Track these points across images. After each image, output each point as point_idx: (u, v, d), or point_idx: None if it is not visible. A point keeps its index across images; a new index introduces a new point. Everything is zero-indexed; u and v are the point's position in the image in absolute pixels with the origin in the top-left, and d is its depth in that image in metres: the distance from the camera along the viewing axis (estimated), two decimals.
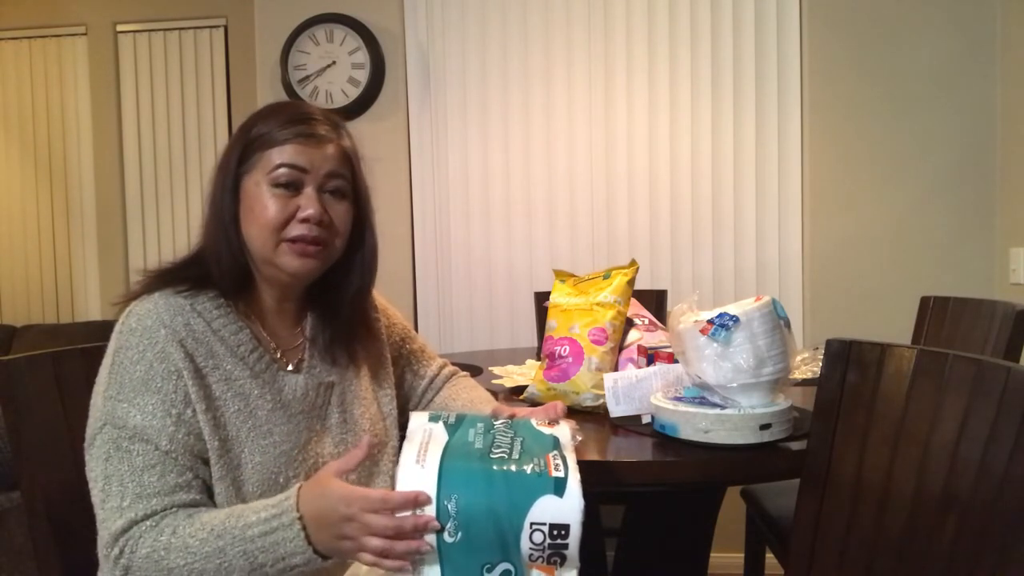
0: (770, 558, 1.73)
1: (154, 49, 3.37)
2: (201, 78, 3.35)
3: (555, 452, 0.89)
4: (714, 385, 1.11)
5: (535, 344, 2.24)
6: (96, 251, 3.43)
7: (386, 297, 1.25)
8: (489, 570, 0.83)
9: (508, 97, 2.64)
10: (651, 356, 1.35)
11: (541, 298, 2.19)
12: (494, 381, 1.57)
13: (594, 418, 1.31)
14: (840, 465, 1.04)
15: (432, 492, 0.82)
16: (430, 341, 1.38)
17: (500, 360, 1.85)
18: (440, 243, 2.71)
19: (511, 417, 1.04)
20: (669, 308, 1.98)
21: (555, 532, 0.82)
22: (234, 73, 3.33)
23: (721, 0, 2.53)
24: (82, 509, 0.93)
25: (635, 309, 1.52)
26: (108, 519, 0.88)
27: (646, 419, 1.23)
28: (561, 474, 0.84)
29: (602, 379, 1.31)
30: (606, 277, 1.46)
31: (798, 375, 1.54)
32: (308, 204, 0.97)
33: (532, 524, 0.82)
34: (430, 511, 0.81)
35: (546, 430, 0.96)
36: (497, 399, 1.28)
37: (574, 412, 1.31)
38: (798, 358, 1.60)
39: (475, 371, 1.59)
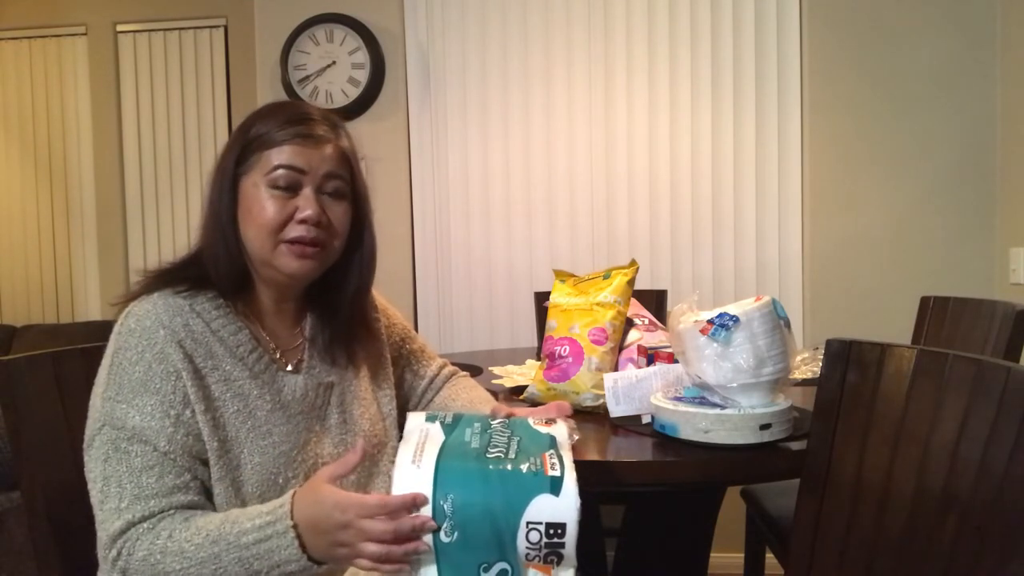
0: (770, 558, 1.73)
1: (154, 49, 3.37)
2: (201, 78, 3.35)
3: (551, 451, 0.89)
4: (714, 385, 1.11)
5: (535, 344, 2.24)
6: (96, 251, 3.43)
7: (386, 297, 1.25)
8: (486, 569, 0.83)
9: (508, 97, 2.64)
10: (651, 356, 1.35)
11: (541, 298, 2.19)
12: (494, 381, 1.57)
13: (594, 418, 1.31)
14: (840, 465, 1.04)
15: (428, 492, 0.81)
16: (430, 341, 1.38)
17: (500, 360, 1.85)
18: (440, 243, 2.71)
19: (509, 416, 1.04)
20: (669, 308, 1.98)
21: (551, 531, 0.82)
22: (234, 73, 3.33)
23: (721, 0, 2.53)
24: (82, 509, 0.93)
25: (635, 309, 1.52)
26: (106, 520, 0.88)
27: (646, 419, 1.23)
28: (557, 473, 0.84)
29: (602, 379, 1.30)
30: (606, 277, 1.46)
31: (798, 375, 1.54)
32: (306, 205, 0.97)
33: (528, 523, 0.82)
34: (426, 511, 0.81)
35: (543, 429, 0.96)
36: (497, 399, 1.28)
37: (574, 412, 1.31)
38: (798, 358, 1.60)
39: (475, 371, 1.59)
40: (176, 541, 0.86)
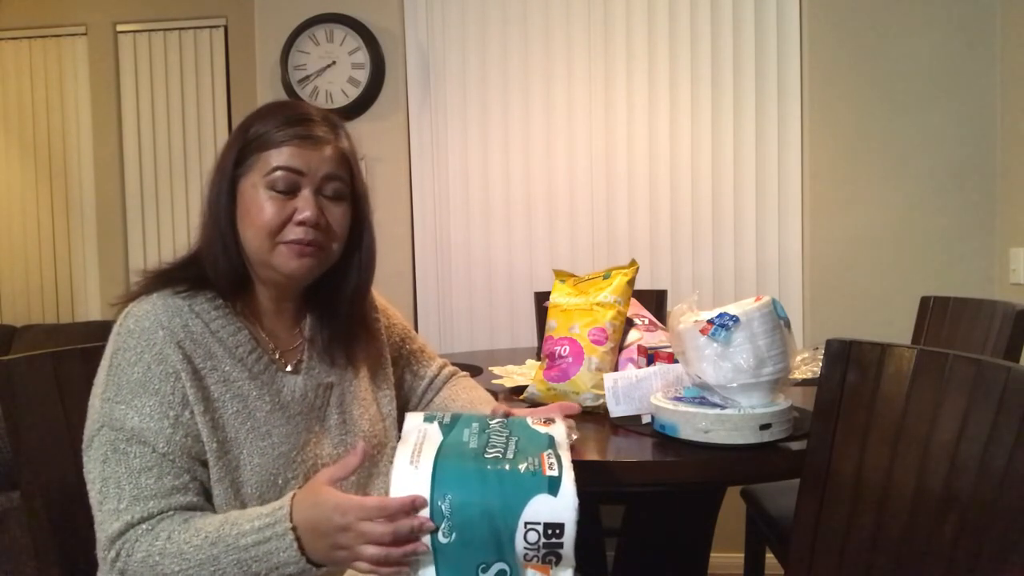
0: (770, 558, 1.73)
1: (154, 49, 3.37)
2: (201, 78, 3.36)
3: (549, 451, 0.89)
4: (714, 385, 1.11)
5: (535, 344, 2.24)
6: (96, 251, 3.43)
7: (386, 297, 1.24)
8: (484, 570, 0.83)
9: (508, 97, 2.64)
10: (651, 356, 1.35)
11: (541, 298, 2.19)
12: (494, 381, 1.57)
13: (594, 418, 1.31)
14: (840, 465, 1.04)
15: (426, 493, 0.81)
16: (430, 341, 1.38)
17: (500, 360, 1.85)
18: (440, 243, 2.71)
19: (507, 415, 1.04)
20: (669, 308, 1.98)
21: (550, 531, 0.82)
22: (234, 73, 3.33)
23: (721, 0, 2.53)
24: (82, 509, 0.93)
25: (635, 309, 1.52)
26: (105, 521, 0.88)
27: (646, 419, 1.23)
28: (555, 473, 0.84)
29: (602, 379, 1.30)
30: (606, 277, 1.46)
31: (798, 375, 1.54)
32: (305, 207, 0.96)
33: (526, 523, 0.82)
34: (424, 512, 0.81)
35: (541, 429, 0.96)
36: (497, 399, 1.28)
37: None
38: (798, 358, 1.60)
39: (475, 371, 1.59)
40: (175, 542, 0.85)
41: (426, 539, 0.81)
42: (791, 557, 1.10)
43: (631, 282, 1.44)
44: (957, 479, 0.88)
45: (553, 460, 0.86)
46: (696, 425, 1.09)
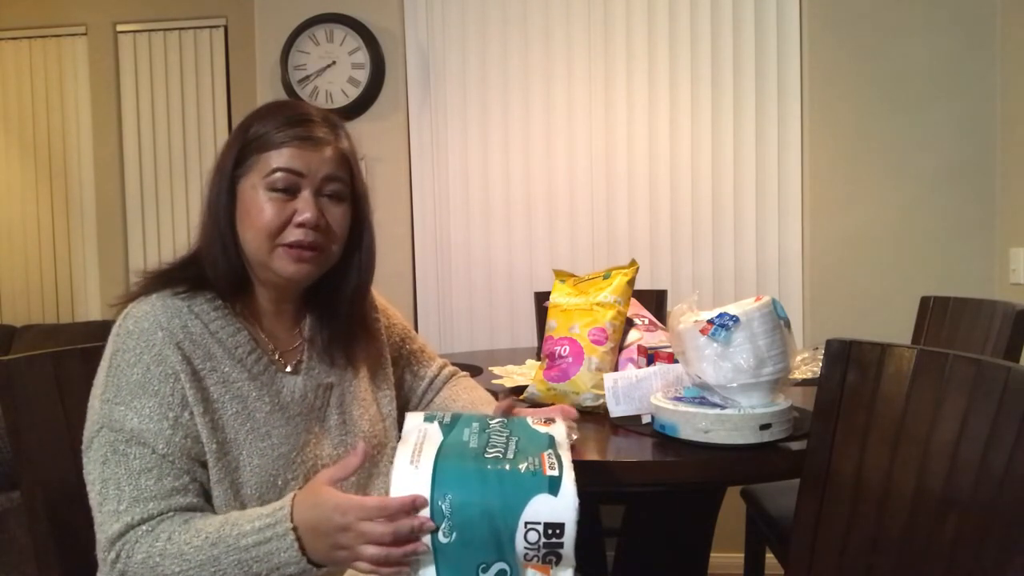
0: (770, 558, 1.73)
1: (154, 49, 3.37)
2: (201, 78, 3.36)
3: (550, 451, 0.89)
4: (714, 385, 1.11)
5: (535, 344, 2.24)
6: (96, 251, 3.43)
7: (386, 297, 1.24)
8: (484, 570, 0.83)
9: (508, 97, 2.64)
10: (651, 356, 1.35)
11: (541, 298, 2.19)
12: (494, 381, 1.57)
13: (594, 418, 1.31)
14: (840, 465, 1.04)
15: (426, 492, 0.81)
16: (430, 341, 1.38)
17: (500, 360, 1.85)
18: (440, 243, 2.71)
19: (510, 408, 1.03)
20: (669, 308, 1.98)
21: (550, 531, 0.82)
22: (234, 73, 3.33)
23: (721, 0, 2.53)
24: (82, 509, 0.93)
25: (635, 309, 1.52)
26: (105, 523, 0.88)
27: (646, 419, 1.23)
28: (555, 473, 0.84)
29: (602, 379, 1.30)
30: (606, 277, 1.46)
31: (798, 375, 1.54)
32: (305, 208, 0.96)
33: (527, 523, 0.82)
34: (424, 512, 0.81)
35: (541, 429, 0.96)
36: (497, 399, 1.28)
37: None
38: (798, 358, 1.60)
39: (475, 371, 1.59)
40: (175, 543, 0.85)
41: (426, 539, 0.81)
42: (791, 557, 1.10)
43: (631, 282, 1.44)
44: (957, 479, 0.88)
45: (553, 460, 0.86)
46: (696, 425, 1.09)
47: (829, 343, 1.07)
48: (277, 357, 1.02)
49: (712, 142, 2.55)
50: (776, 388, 1.12)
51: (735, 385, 1.09)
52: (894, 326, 2.25)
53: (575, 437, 1.01)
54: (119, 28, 3.38)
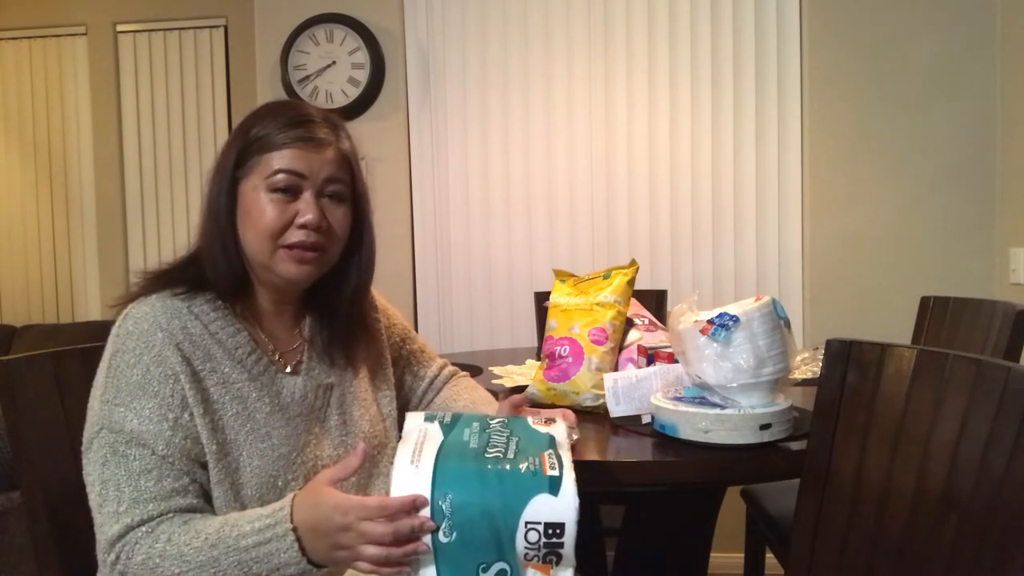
0: (770, 558, 1.73)
1: (154, 49, 3.37)
2: (201, 78, 3.36)
3: (550, 451, 0.89)
4: (714, 385, 1.11)
5: (535, 344, 2.24)
6: (96, 251, 3.43)
7: (386, 297, 1.24)
8: (484, 569, 0.83)
9: (508, 97, 2.64)
10: (651, 356, 1.35)
11: (541, 298, 2.19)
12: (494, 381, 1.57)
13: (594, 418, 1.31)
14: (840, 465, 1.04)
15: (426, 492, 0.81)
16: (430, 341, 1.38)
17: (500, 360, 1.85)
18: (440, 243, 2.71)
19: (519, 405, 1.03)
20: (669, 308, 1.98)
21: (550, 531, 0.82)
22: (234, 73, 3.33)
23: (721, 0, 2.53)
24: (82, 509, 0.93)
25: (635, 309, 1.52)
26: (105, 524, 0.88)
27: (646, 419, 1.23)
28: (556, 473, 0.84)
29: (602, 379, 1.30)
30: (606, 277, 1.46)
31: (798, 375, 1.54)
32: (307, 210, 0.96)
33: (527, 523, 0.82)
34: (425, 512, 0.81)
35: (542, 429, 0.96)
36: (497, 399, 1.28)
37: (574, 412, 1.31)
38: (798, 358, 1.60)
39: (475, 371, 1.59)
40: (175, 545, 0.85)
41: (427, 539, 0.81)
42: (791, 557, 1.10)
43: (631, 282, 1.44)
44: (957, 479, 0.88)
45: (554, 460, 0.87)
46: (696, 425, 1.09)
47: (829, 343, 1.07)
48: (277, 358, 1.02)
49: (712, 142, 2.55)
50: (776, 388, 1.12)
51: (735, 385, 1.09)
52: (894, 326, 2.24)
53: (575, 437, 1.01)
54: (119, 28, 3.38)
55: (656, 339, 1.44)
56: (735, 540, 1.96)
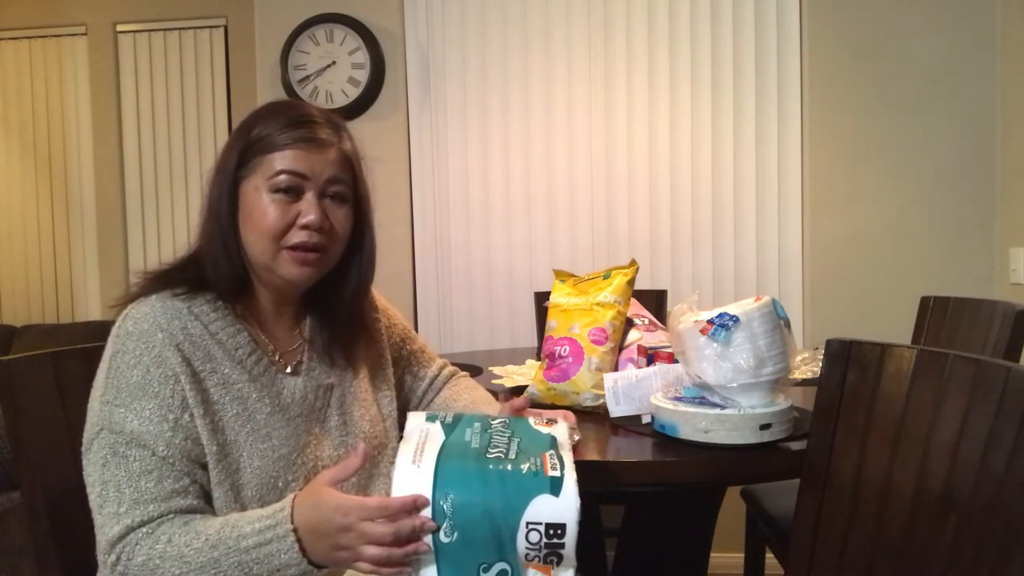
0: (770, 558, 1.73)
1: (154, 49, 3.37)
2: (201, 78, 3.36)
3: (552, 452, 0.89)
4: (714, 385, 1.11)
5: (535, 344, 2.24)
6: (96, 251, 3.43)
7: (386, 297, 1.24)
8: (485, 570, 0.83)
9: (508, 97, 2.64)
10: (651, 356, 1.35)
11: (541, 298, 2.19)
12: (494, 381, 1.57)
13: (594, 418, 1.31)
14: (840, 465, 1.04)
15: (428, 492, 0.81)
16: (430, 341, 1.38)
17: (500, 360, 1.85)
18: (440, 243, 2.71)
19: (521, 408, 1.03)
20: (669, 308, 1.98)
21: (551, 532, 0.82)
22: (234, 73, 3.33)
23: (721, 0, 2.53)
24: (82, 510, 0.93)
25: (635, 309, 1.52)
26: (105, 525, 0.88)
27: (646, 419, 1.23)
28: (557, 473, 0.84)
29: (602, 379, 1.31)
30: (606, 277, 1.46)
31: (798, 375, 1.54)
32: (309, 210, 0.96)
33: (528, 523, 0.82)
34: (426, 512, 0.81)
35: (543, 429, 0.96)
36: (497, 399, 1.28)
37: (574, 412, 1.31)
38: (798, 358, 1.60)
39: (475, 371, 1.59)
40: (175, 545, 0.85)
41: (427, 538, 0.82)
42: (791, 557, 1.10)
43: (631, 282, 1.44)
44: (957, 479, 0.88)
45: (555, 461, 0.87)
46: (696, 425, 1.09)
47: (829, 343, 1.07)
48: (277, 358, 1.02)
49: (712, 142, 2.55)
50: (776, 388, 1.12)
51: (735, 385, 1.09)
52: (894, 326, 2.24)
53: (577, 438, 1.01)
54: (119, 28, 3.38)
55: (656, 339, 1.44)
56: (735, 540, 1.96)
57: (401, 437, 0.93)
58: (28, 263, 3.50)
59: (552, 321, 1.45)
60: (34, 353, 1.12)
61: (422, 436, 0.90)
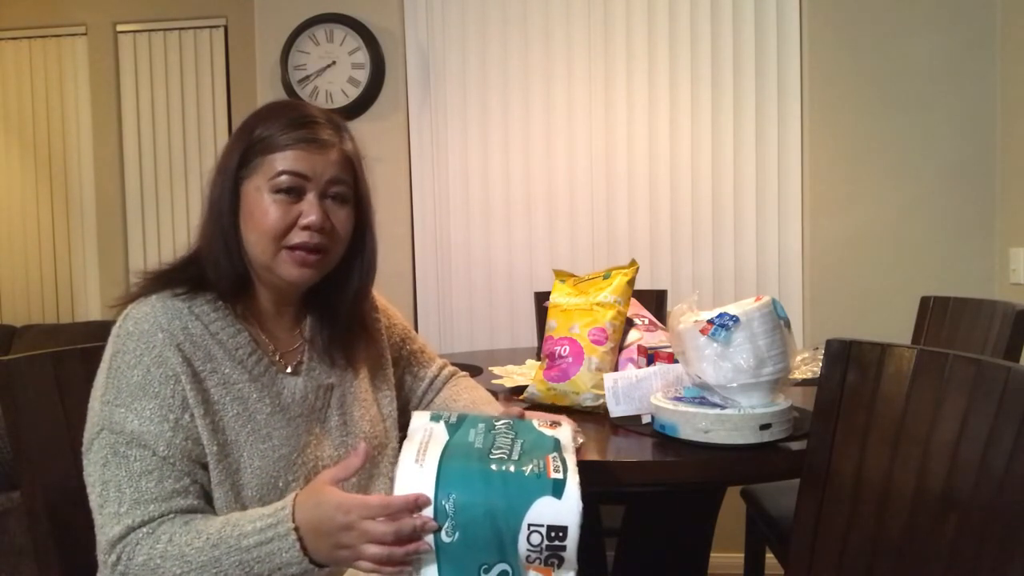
0: (770, 558, 1.73)
1: (154, 49, 3.37)
2: (201, 78, 3.36)
3: (555, 454, 0.89)
4: (714, 385, 1.11)
5: (535, 344, 2.24)
6: (96, 251, 3.43)
7: (386, 297, 1.24)
8: (486, 571, 0.83)
9: (508, 97, 2.64)
10: (651, 356, 1.35)
11: (541, 298, 2.19)
12: (494, 381, 1.57)
13: (594, 418, 1.31)
14: (840, 465, 1.04)
15: (430, 492, 0.81)
16: (430, 341, 1.38)
17: (500, 360, 1.85)
18: (440, 243, 2.71)
19: (521, 416, 1.04)
20: (669, 308, 1.98)
21: (553, 534, 0.82)
22: (234, 73, 3.33)
23: (721, 0, 2.53)
24: (82, 510, 0.93)
25: (635, 309, 1.52)
26: (106, 525, 0.88)
27: (646, 419, 1.23)
28: (560, 476, 0.84)
29: (602, 379, 1.30)
30: (606, 277, 1.46)
31: (798, 375, 1.54)
32: (310, 211, 0.96)
33: (530, 525, 0.82)
34: (428, 511, 0.81)
35: (547, 432, 0.96)
36: (497, 399, 1.28)
37: (574, 412, 1.31)
38: (798, 358, 1.60)
39: (475, 371, 1.58)
40: (176, 545, 0.85)
41: (429, 538, 0.82)
42: (791, 557, 1.10)
43: (631, 282, 1.44)
44: (957, 479, 0.88)
45: (558, 463, 0.87)
46: (696, 425, 1.09)
47: (829, 343, 1.07)
48: (278, 358, 1.02)
49: (712, 142, 2.55)
50: (776, 388, 1.12)
51: (735, 385, 1.09)
52: (894, 326, 2.25)
53: (581, 440, 1.01)
54: (119, 28, 3.38)
55: (656, 339, 1.44)
56: (735, 540, 1.96)
57: (401, 437, 0.93)
58: (28, 263, 3.50)
59: (552, 321, 1.45)
60: (34, 353, 1.12)
61: (426, 435, 0.90)
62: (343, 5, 2.63)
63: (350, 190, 1.01)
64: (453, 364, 1.35)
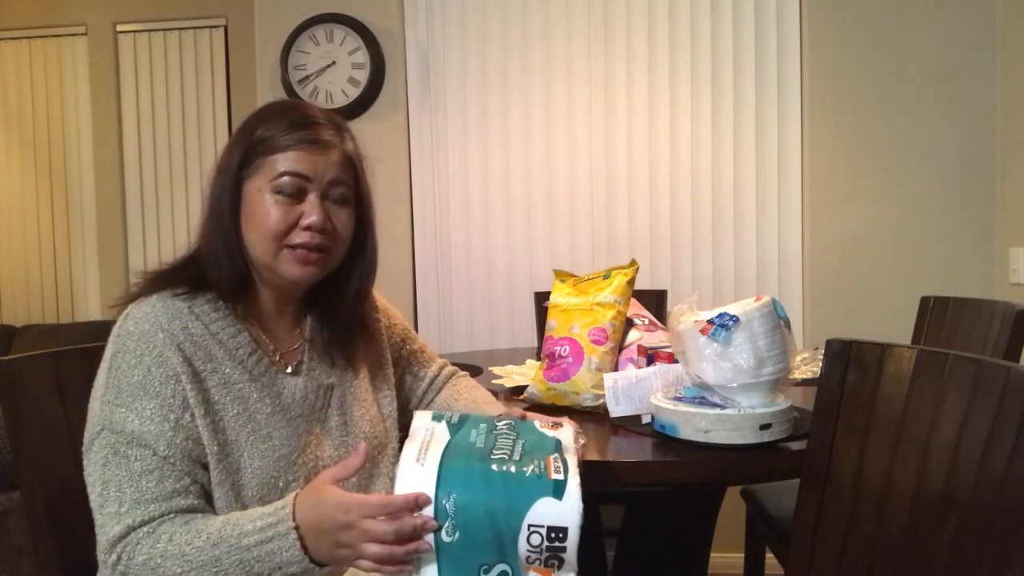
0: (770, 558, 1.73)
1: (154, 49, 3.37)
2: (201, 78, 3.36)
3: (556, 455, 0.89)
4: (714, 385, 1.11)
5: (535, 344, 2.24)
6: (96, 251, 3.43)
7: (386, 297, 1.24)
8: (486, 571, 0.83)
9: (508, 97, 2.64)
10: (651, 356, 1.36)
11: (541, 298, 2.19)
12: (494, 381, 1.57)
13: (594, 418, 1.31)
14: (840, 465, 1.04)
15: (431, 491, 0.81)
16: (430, 341, 1.38)
17: (500, 360, 1.85)
18: (440, 243, 2.71)
19: (522, 418, 1.04)
20: (669, 308, 1.98)
21: (553, 535, 0.82)
22: (234, 73, 3.33)
23: (721, 0, 2.53)
24: (82, 510, 0.93)
25: (635, 309, 1.52)
26: (106, 525, 0.88)
27: (646, 419, 1.23)
28: (561, 477, 0.84)
29: (602, 379, 1.31)
30: (606, 277, 1.46)
31: (798, 375, 1.54)
32: (311, 212, 0.96)
33: (530, 526, 0.82)
34: (428, 510, 0.81)
35: (549, 432, 0.96)
36: (497, 399, 1.28)
37: (574, 412, 1.31)
38: (798, 358, 1.60)
39: (475, 371, 1.58)
40: (176, 544, 0.85)
41: (429, 538, 0.82)
42: (791, 557, 1.10)
43: (631, 282, 1.44)
44: (957, 479, 0.88)
45: (560, 464, 0.86)
46: (696, 425, 1.09)
47: (829, 343, 1.07)
48: (278, 358, 1.02)
49: (712, 142, 2.55)
50: (776, 388, 1.12)
51: (735, 385, 1.09)
52: (894, 326, 2.25)
53: (583, 442, 1.01)
54: (119, 28, 3.38)
55: (656, 339, 1.44)
56: (735, 540, 1.96)
57: (401, 437, 0.93)
58: (28, 263, 3.50)
59: (552, 321, 1.45)
60: (34, 353, 1.12)
61: (427, 435, 0.90)
62: (343, 5, 2.63)
63: (351, 191, 1.01)
64: (453, 364, 1.35)
